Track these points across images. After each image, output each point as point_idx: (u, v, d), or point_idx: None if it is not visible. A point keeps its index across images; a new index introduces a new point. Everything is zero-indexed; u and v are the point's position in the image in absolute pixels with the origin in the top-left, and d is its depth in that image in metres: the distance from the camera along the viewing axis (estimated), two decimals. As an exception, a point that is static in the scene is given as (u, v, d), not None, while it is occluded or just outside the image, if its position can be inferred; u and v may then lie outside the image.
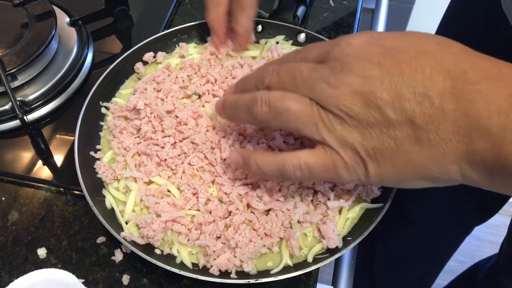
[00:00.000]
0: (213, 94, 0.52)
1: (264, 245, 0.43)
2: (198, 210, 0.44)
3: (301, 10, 0.62)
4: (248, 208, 0.45)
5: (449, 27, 0.77)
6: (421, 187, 0.37)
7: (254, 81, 0.41)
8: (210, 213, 0.44)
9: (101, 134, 0.51)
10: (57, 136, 0.54)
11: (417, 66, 0.33)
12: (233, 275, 0.42)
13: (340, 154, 0.36)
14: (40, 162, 0.52)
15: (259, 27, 0.59)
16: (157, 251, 0.44)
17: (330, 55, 0.37)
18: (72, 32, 0.60)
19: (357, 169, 0.36)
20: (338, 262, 0.52)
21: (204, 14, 0.54)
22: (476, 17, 0.68)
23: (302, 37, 0.58)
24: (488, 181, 0.33)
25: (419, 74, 0.33)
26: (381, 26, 0.95)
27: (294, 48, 0.58)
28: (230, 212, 0.44)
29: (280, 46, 0.57)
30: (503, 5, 0.58)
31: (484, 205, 0.85)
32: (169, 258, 0.43)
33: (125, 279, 0.44)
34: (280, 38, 0.59)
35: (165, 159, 0.47)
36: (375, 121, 0.34)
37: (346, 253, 0.50)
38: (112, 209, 0.46)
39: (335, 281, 0.52)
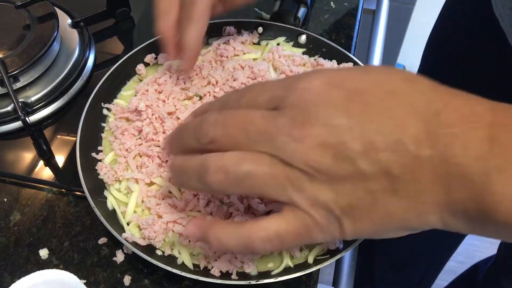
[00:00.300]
0: (214, 96, 0.52)
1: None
2: (199, 211, 0.44)
3: (302, 12, 0.62)
4: (249, 210, 0.45)
5: (443, 28, 0.77)
6: (399, 236, 0.34)
7: (193, 134, 0.35)
8: (211, 214, 0.44)
9: (103, 135, 0.51)
10: (59, 137, 0.54)
11: (386, 109, 0.30)
12: (234, 276, 0.42)
13: (313, 215, 0.32)
14: (42, 163, 0.52)
15: (260, 29, 0.59)
16: (158, 252, 0.44)
17: (286, 101, 0.32)
18: (74, 34, 0.60)
19: (331, 228, 0.33)
20: (339, 262, 0.52)
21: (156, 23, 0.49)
22: (469, 19, 0.68)
23: (303, 38, 0.58)
24: (472, 229, 0.31)
25: (389, 119, 0.30)
26: (382, 27, 0.95)
27: (295, 49, 0.58)
28: (231, 214, 0.44)
29: (281, 48, 0.57)
30: (495, 10, 0.58)
31: None
32: (170, 259, 0.43)
33: (127, 280, 0.44)
34: (281, 39, 0.59)
35: (167, 160, 0.47)
36: (348, 175, 0.30)
37: (347, 254, 0.50)
38: (114, 210, 0.46)
39: (335, 282, 0.53)
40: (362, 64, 0.54)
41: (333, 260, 0.42)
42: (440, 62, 0.78)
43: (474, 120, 0.29)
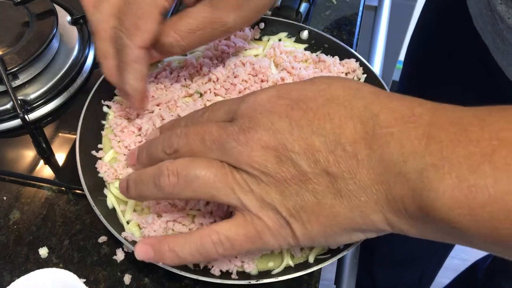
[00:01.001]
0: (215, 93, 0.52)
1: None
2: (199, 210, 0.44)
3: (304, 7, 0.61)
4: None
5: (425, 31, 0.76)
6: (355, 241, 0.35)
7: (161, 145, 0.38)
8: (211, 213, 0.44)
9: (103, 133, 0.51)
10: (59, 135, 0.54)
11: (325, 114, 0.32)
12: (234, 275, 0.41)
13: (262, 218, 0.34)
14: (41, 162, 0.52)
15: (262, 24, 0.58)
16: (159, 251, 0.43)
17: (237, 112, 0.35)
18: (73, 31, 0.60)
19: (282, 233, 0.34)
20: (340, 261, 0.52)
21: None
22: (448, 29, 0.68)
23: (305, 34, 0.58)
24: (416, 229, 0.31)
25: (327, 122, 0.31)
26: (383, 23, 0.94)
27: (297, 45, 0.57)
28: (231, 213, 0.44)
29: (282, 44, 0.56)
30: (475, 24, 0.58)
31: None
32: (171, 258, 0.43)
33: (127, 278, 0.44)
34: (282, 35, 0.58)
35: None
36: (291, 176, 0.32)
37: (349, 252, 0.50)
38: (114, 209, 0.46)
39: (337, 280, 0.52)
40: (364, 60, 0.54)
41: (334, 259, 0.42)
42: (422, 70, 0.77)
43: (412, 120, 0.29)
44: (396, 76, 1.70)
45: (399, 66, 1.78)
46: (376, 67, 0.75)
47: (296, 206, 0.33)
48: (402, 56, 1.67)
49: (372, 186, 0.30)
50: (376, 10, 0.95)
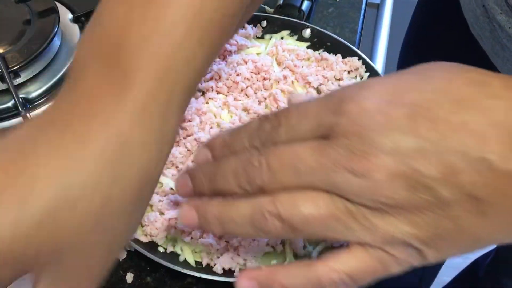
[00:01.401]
0: (217, 91, 0.51)
1: (268, 244, 0.43)
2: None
3: (306, 5, 0.61)
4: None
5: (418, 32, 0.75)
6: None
7: (234, 179, 0.31)
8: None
9: (104, 131, 0.51)
10: (60, 133, 0.54)
11: (459, 123, 0.26)
12: (236, 273, 0.41)
13: (388, 251, 0.28)
14: (43, 160, 0.51)
15: (264, 22, 0.58)
16: (161, 249, 0.43)
17: (337, 128, 0.27)
18: (75, 29, 0.60)
19: (411, 260, 0.29)
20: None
21: None
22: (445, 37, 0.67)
23: (307, 32, 0.58)
24: None
25: (465, 133, 0.25)
26: (386, 21, 0.94)
27: (299, 44, 0.57)
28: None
29: (285, 42, 0.56)
30: (472, 31, 0.58)
31: None
32: (173, 256, 0.43)
33: (129, 277, 0.44)
34: (285, 33, 0.58)
35: (171, 161, 0.46)
36: (426, 204, 0.26)
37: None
38: (116, 207, 0.46)
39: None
40: (367, 58, 0.53)
41: (337, 257, 0.41)
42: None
43: None
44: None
45: (401, 64, 1.77)
46: (379, 66, 0.75)
47: (432, 236, 0.27)
48: (404, 55, 1.67)
49: None
50: (378, 8, 0.95)
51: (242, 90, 0.51)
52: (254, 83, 0.52)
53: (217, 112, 0.50)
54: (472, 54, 0.59)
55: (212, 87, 0.52)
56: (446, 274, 1.15)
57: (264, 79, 0.52)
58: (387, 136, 0.26)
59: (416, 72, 0.29)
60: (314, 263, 0.31)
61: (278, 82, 0.52)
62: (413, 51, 0.74)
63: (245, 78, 0.52)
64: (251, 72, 0.52)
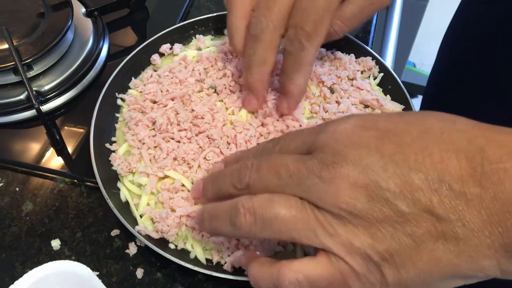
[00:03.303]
0: (230, 90, 0.51)
1: (279, 243, 0.43)
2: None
3: (319, 5, 0.61)
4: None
5: (461, 24, 0.75)
6: (453, 287, 0.31)
7: (229, 179, 0.36)
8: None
9: (117, 126, 0.51)
10: (72, 127, 0.54)
11: (422, 148, 0.28)
12: (246, 272, 0.41)
13: (349, 263, 0.30)
14: (54, 153, 0.51)
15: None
16: (171, 246, 0.43)
17: (316, 143, 0.32)
18: (88, 23, 0.60)
19: (371, 278, 0.30)
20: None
21: (244, 74, 0.47)
22: (488, 19, 0.66)
23: (320, 32, 0.57)
24: None
25: (426, 157, 0.28)
26: (395, 22, 0.94)
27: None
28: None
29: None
30: None
31: None
32: (183, 253, 0.43)
33: (139, 272, 0.43)
34: (297, 33, 0.58)
35: (182, 157, 0.46)
36: (385, 217, 0.28)
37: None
38: (127, 202, 0.46)
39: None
40: (380, 58, 0.53)
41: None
42: (456, 58, 0.76)
43: None
44: (406, 76, 1.69)
45: (408, 66, 1.77)
46: (388, 66, 0.74)
47: (390, 250, 0.29)
48: (411, 57, 1.67)
49: (485, 229, 0.27)
50: (388, 10, 0.95)
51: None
52: (267, 82, 0.52)
53: (230, 110, 0.50)
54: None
55: (224, 84, 0.51)
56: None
57: (277, 75, 0.52)
58: (355, 151, 0.30)
59: (395, 113, 0.34)
60: (282, 262, 0.33)
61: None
62: (458, 28, 0.72)
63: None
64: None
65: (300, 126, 0.47)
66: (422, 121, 0.30)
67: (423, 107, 0.83)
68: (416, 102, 0.66)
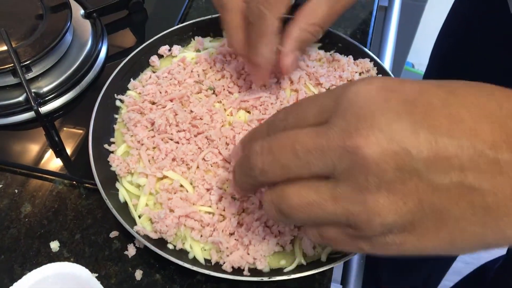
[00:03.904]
0: (228, 91, 0.51)
1: (278, 243, 0.43)
2: (210, 206, 0.44)
3: (317, 6, 0.61)
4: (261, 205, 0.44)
5: (454, 22, 0.75)
6: (470, 253, 0.31)
7: (243, 170, 0.33)
8: (224, 210, 0.43)
9: (115, 127, 0.51)
10: (70, 129, 0.54)
11: (453, 113, 0.26)
12: (246, 272, 0.41)
13: (366, 228, 0.29)
14: (53, 155, 0.51)
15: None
16: (170, 246, 0.43)
17: (336, 110, 0.29)
18: (87, 25, 0.60)
19: (387, 243, 0.29)
20: (347, 261, 0.51)
21: (227, 39, 0.50)
22: (481, 17, 0.66)
23: (318, 33, 0.57)
24: None
25: (458, 123, 0.26)
26: (393, 23, 0.94)
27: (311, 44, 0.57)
28: (243, 210, 0.44)
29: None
30: None
31: None
32: (182, 254, 0.43)
33: (138, 274, 0.44)
34: (295, 34, 0.58)
35: (181, 158, 0.46)
36: (414, 188, 0.27)
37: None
38: (125, 203, 0.46)
39: (344, 280, 0.52)
40: (378, 60, 0.53)
41: (347, 258, 0.41)
42: (449, 54, 0.76)
43: None
44: (404, 77, 1.69)
45: (407, 67, 1.77)
46: (386, 67, 0.75)
47: (413, 220, 0.27)
48: (410, 57, 1.67)
49: None
50: (386, 11, 0.95)
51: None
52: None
53: (228, 111, 0.50)
54: (507, 33, 0.58)
55: (223, 86, 0.51)
56: (448, 279, 1.15)
57: (276, 77, 0.52)
58: (381, 116, 0.27)
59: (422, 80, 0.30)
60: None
61: (292, 82, 0.52)
62: (451, 26, 0.73)
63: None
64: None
65: None
66: (448, 83, 0.29)
67: None
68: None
